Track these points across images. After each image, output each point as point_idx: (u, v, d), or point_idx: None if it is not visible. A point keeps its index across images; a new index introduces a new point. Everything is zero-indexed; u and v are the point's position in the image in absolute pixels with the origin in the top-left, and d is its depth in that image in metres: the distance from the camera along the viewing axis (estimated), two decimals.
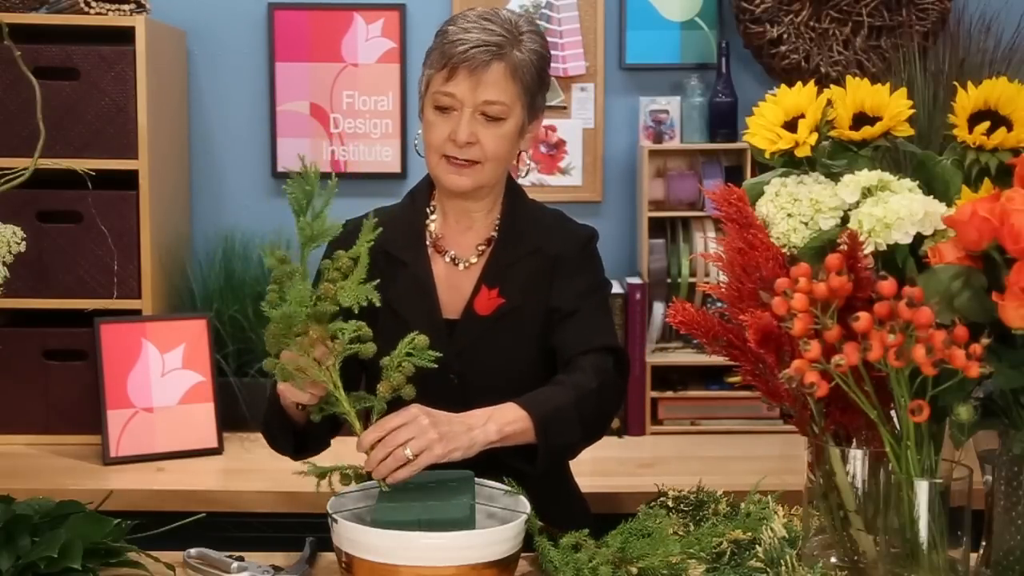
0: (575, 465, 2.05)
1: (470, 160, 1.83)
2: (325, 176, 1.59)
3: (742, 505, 1.67)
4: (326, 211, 1.59)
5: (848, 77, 1.48)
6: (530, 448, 1.71)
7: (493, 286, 1.89)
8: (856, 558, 1.41)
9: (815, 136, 1.46)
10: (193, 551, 1.69)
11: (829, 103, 1.47)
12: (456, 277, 1.92)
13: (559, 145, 3.18)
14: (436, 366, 1.63)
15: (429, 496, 1.57)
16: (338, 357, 1.59)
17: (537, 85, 1.87)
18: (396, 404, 1.63)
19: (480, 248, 1.93)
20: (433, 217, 1.95)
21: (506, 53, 1.82)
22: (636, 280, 2.98)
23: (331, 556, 1.60)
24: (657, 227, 3.03)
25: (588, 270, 1.94)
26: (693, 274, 2.99)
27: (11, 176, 1.71)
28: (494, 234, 1.93)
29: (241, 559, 1.67)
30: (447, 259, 1.92)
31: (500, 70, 1.81)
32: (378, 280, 1.62)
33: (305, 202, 1.57)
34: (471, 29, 1.82)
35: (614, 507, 2.05)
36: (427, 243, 1.93)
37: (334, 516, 1.54)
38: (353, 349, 1.60)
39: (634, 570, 1.49)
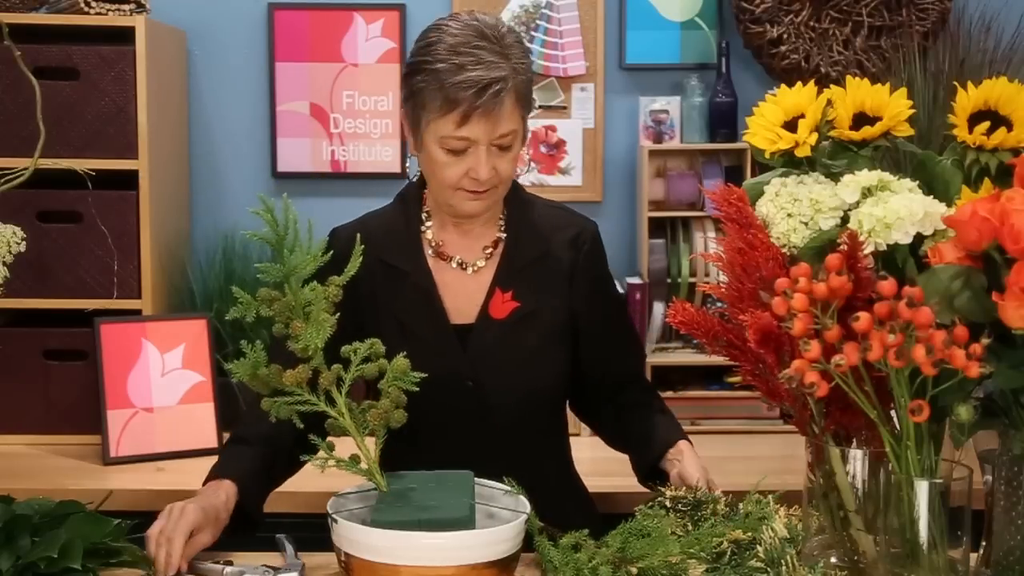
0: (577, 465, 2.05)
1: (488, 188, 1.81)
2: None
3: (742, 505, 1.67)
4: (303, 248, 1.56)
5: (848, 77, 1.48)
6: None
7: (507, 289, 1.87)
8: (856, 558, 1.40)
9: (815, 136, 1.46)
10: None
11: (829, 103, 1.47)
12: (465, 282, 1.89)
13: (559, 145, 3.18)
14: (418, 389, 1.57)
15: (429, 496, 1.56)
16: (346, 382, 1.56)
17: (531, 96, 1.84)
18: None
19: (488, 251, 1.91)
20: (429, 224, 1.92)
21: (511, 84, 1.74)
22: (636, 280, 2.98)
23: (330, 556, 1.60)
24: (657, 227, 3.03)
25: (601, 270, 1.97)
26: (693, 274, 2.99)
27: (11, 176, 1.71)
28: (500, 235, 1.92)
29: (230, 563, 1.66)
30: (454, 264, 1.90)
31: (510, 102, 1.75)
32: (337, 313, 1.55)
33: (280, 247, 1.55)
34: (467, 65, 1.71)
35: (614, 507, 2.04)
36: (425, 250, 1.91)
37: (334, 516, 1.54)
38: (360, 370, 1.56)
39: (634, 570, 1.49)
